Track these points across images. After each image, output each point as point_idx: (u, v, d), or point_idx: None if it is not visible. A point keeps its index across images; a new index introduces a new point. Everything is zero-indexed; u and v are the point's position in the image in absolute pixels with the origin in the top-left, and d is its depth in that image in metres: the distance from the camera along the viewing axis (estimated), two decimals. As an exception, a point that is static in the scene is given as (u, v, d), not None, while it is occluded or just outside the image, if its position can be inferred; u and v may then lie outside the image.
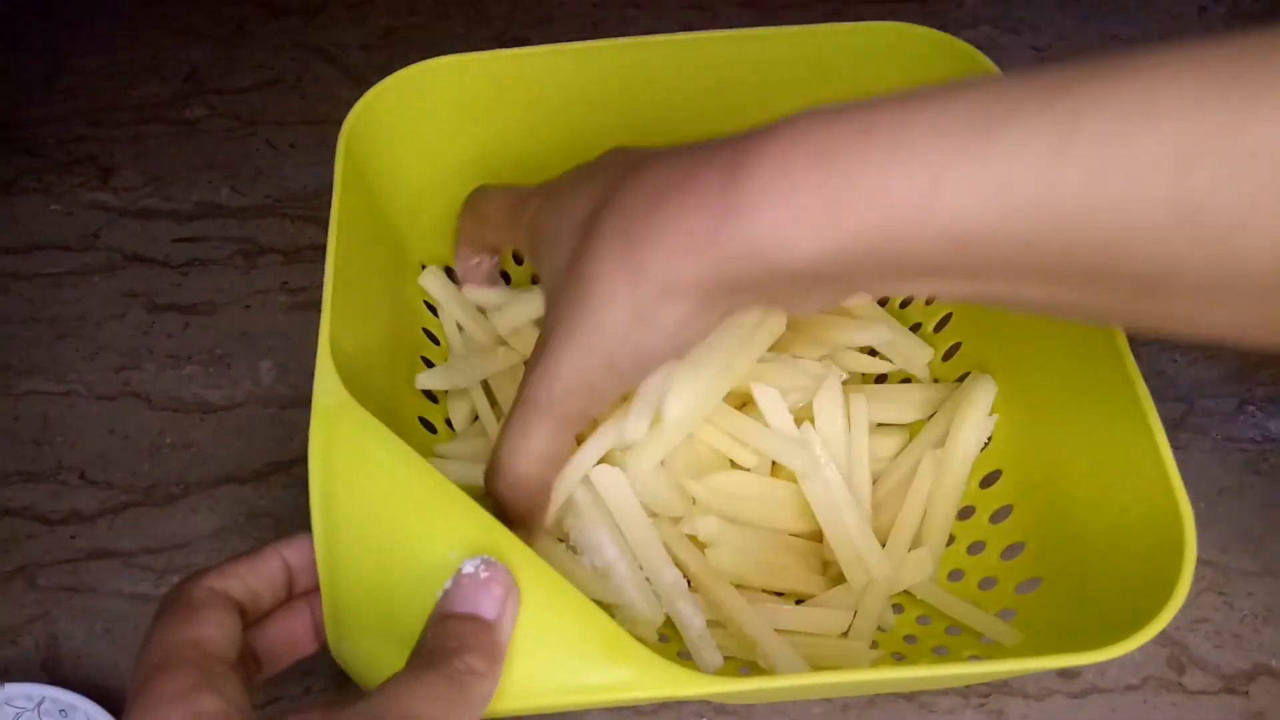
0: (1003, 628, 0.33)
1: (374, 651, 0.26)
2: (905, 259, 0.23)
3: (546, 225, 0.31)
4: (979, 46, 0.37)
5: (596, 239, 0.27)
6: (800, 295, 0.26)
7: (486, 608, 0.25)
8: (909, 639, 0.35)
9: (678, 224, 0.25)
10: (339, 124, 0.35)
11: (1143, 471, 0.29)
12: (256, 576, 0.28)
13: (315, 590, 0.27)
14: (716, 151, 0.25)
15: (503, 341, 0.41)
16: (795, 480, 0.36)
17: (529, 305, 0.40)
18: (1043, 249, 0.21)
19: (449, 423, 0.41)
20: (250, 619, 0.28)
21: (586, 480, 0.34)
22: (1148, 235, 0.20)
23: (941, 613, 0.35)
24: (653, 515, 0.35)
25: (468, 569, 0.25)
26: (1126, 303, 0.22)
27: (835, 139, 0.23)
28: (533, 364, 0.29)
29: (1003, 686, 0.39)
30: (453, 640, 0.24)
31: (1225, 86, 0.19)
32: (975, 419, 0.37)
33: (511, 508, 0.31)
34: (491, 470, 0.31)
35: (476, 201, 0.39)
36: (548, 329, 0.29)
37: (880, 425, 0.39)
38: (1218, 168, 0.19)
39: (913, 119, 0.22)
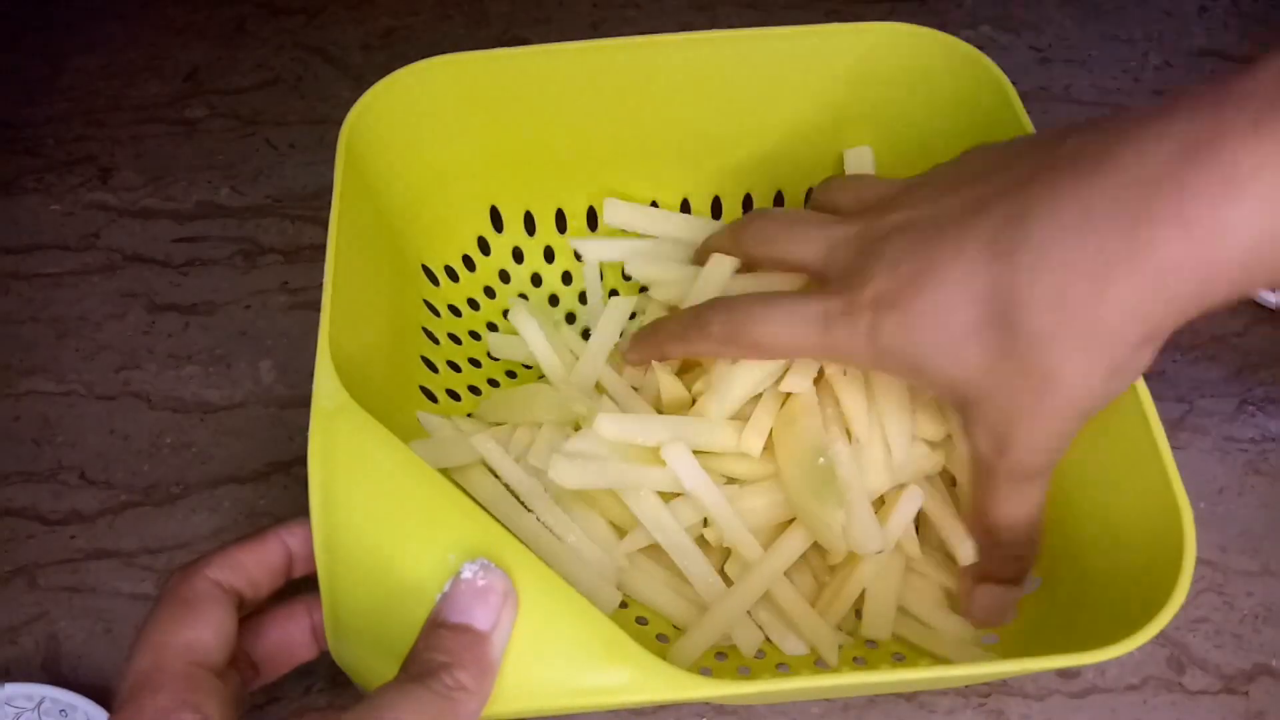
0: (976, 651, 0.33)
1: (373, 652, 0.26)
2: None
3: (916, 341, 0.28)
4: (979, 46, 0.37)
5: (1035, 335, 0.26)
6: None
7: (480, 618, 0.25)
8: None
9: (1145, 296, 0.24)
10: (339, 124, 0.35)
11: (1143, 471, 0.29)
12: (258, 564, 0.28)
13: (315, 593, 0.27)
14: (1142, 209, 0.24)
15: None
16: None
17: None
18: None
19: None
20: (248, 607, 0.28)
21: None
22: None
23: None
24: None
25: (466, 574, 0.25)
26: None
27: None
28: (1000, 450, 0.29)
29: (1002, 686, 0.39)
30: (443, 654, 0.24)
31: None
32: None
33: (1013, 563, 0.32)
34: (996, 541, 0.32)
35: (720, 319, 0.33)
36: (998, 420, 0.28)
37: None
38: None
39: None
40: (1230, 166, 0.23)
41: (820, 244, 0.32)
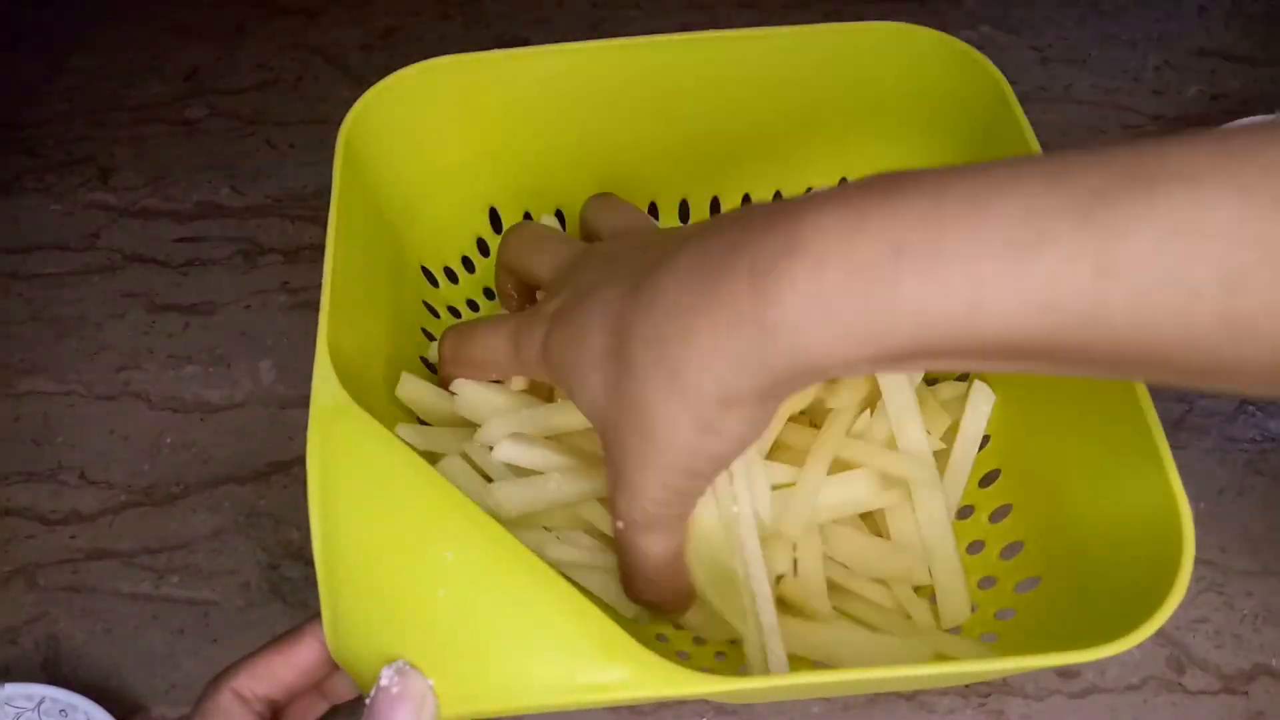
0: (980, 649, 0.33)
1: (373, 651, 0.26)
2: (953, 353, 0.23)
3: (564, 359, 0.29)
4: (979, 46, 0.37)
5: (635, 369, 0.26)
6: (852, 375, 0.26)
7: None
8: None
9: (717, 348, 0.24)
10: (339, 124, 0.35)
11: (1142, 471, 0.29)
12: (290, 669, 0.28)
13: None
14: (733, 260, 0.24)
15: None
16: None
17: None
18: (1092, 353, 0.21)
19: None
20: (280, 707, 0.29)
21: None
22: (1201, 347, 0.20)
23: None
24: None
25: (383, 680, 0.25)
26: (1184, 383, 0.22)
27: (865, 259, 0.22)
28: (613, 492, 0.29)
29: (1003, 686, 0.39)
30: None
31: (1267, 207, 0.19)
32: (974, 431, 0.37)
33: (665, 606, 0.33)
34: (631, 588, 0.32)
35: (452, 347, 0.36)
36: (615, 458, 0.28)
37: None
38: (1269, 290, 0.19)
39: (942, 239, 0.21)
40: (782, 303, 0.23)
41: (549, 263, 0.35)
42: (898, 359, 0.23)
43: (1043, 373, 0.23)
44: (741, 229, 0.25)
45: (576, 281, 0.31)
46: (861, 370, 0.24)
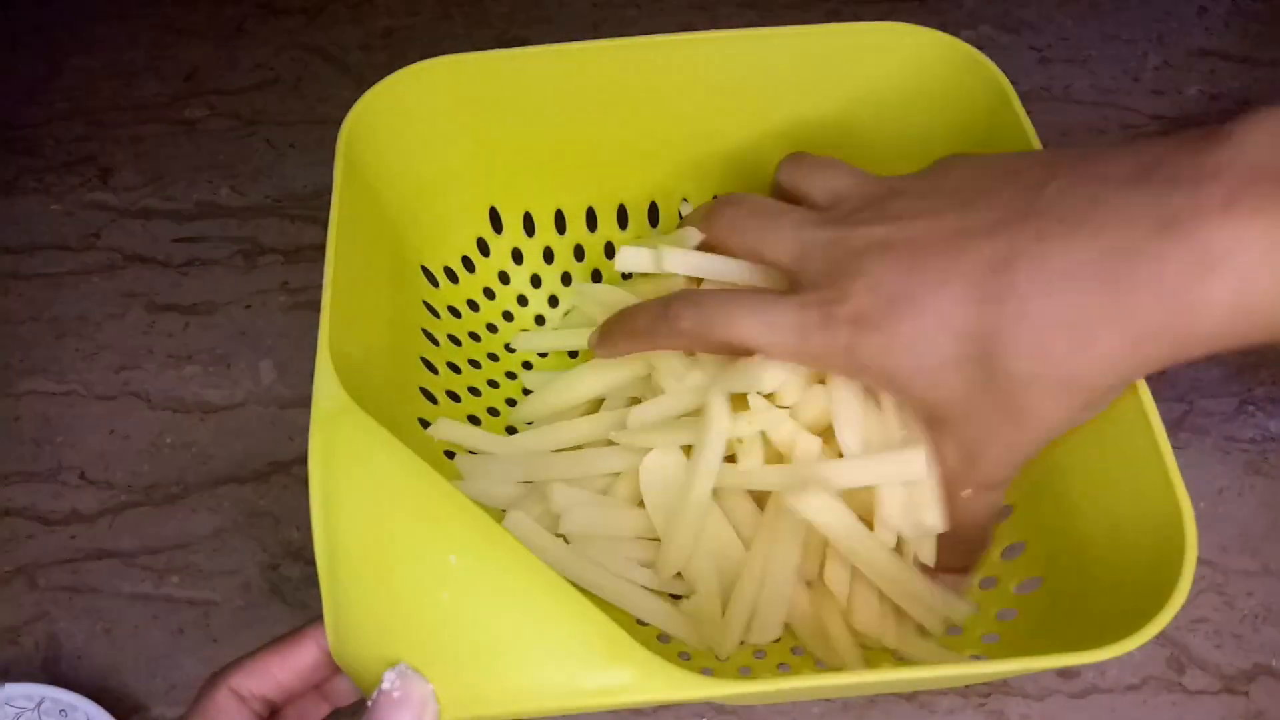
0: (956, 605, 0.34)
1: (374, 653, 0.26)
2: None
3: (900, 366, 0.29)
4: (979, 46, 0.37)
5: (1014, 378, 0.27)
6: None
7: None
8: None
9: (1122, 352, 0.26)
10: (339, 124, 0.35)
11: (1143, 471, 0.29)
12: (288, 671, 0.28)
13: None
14: (1127, 266, 0.25)
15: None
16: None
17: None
18: None
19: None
20: (277, 708, 0.29)
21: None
22: None
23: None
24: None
25: (385, 684, 0.25)
26: None
27: None
28: (968, 465, 0.30)
29: (1003, 686, 0.39)
30: None
31: None
32: None
33: (974, 556, 0.34)
34: (968, 550, 0.34)
35: (704, 316, 0.33)
36: (970, 439, 0.30)
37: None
38: None
39: None
40: (1204, 247, 0.24)
41: (793, 244, 0.32)
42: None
43: None
44: (1109, 235, 0.26)
45: (871, 279, 0.30)
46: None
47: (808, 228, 0.32)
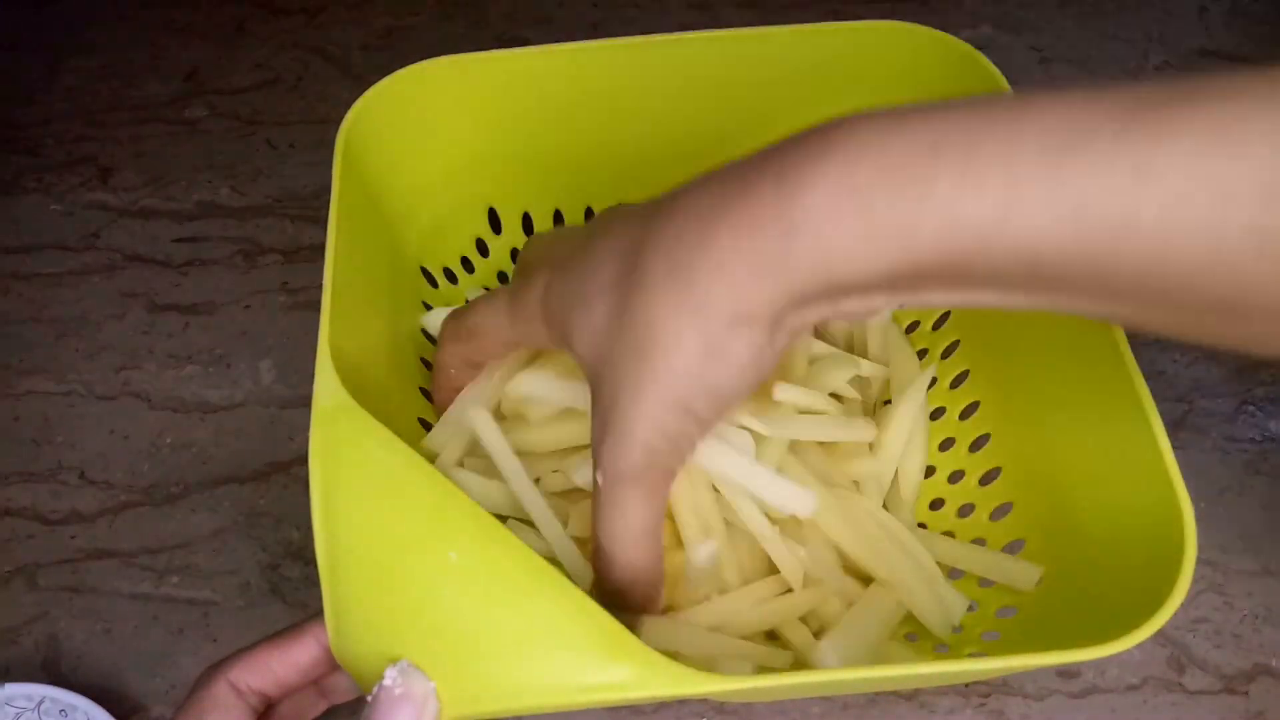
0: (1017, 567, 0.33)
1: (375, 651, 0.26)
2: (974, 273, 0.23)
3: (565, 297, 0.29)
4: (979, 46, 0.37)
5: (645, 284, 0.26)
6: (864, 304, 0.25)
7: None
8: (910, 636, 0.35)
9: (737, 247, 0.24)
10: (339, 124, 0.35)
11: (1143, 470, 0.29)
12: (287, 666, 0.28)
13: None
14: (761, 167, 0.24)
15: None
16: None
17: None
18: (1117, 271, 0.21)
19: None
20: (274, 703, 0.29)
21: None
22: (1227, 263, 0.20)
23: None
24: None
25: (386, 680, 0.25)
26: (1201, 324, 0.22)
27: (900, 157, 0.22)
28: (600, 438, 0.27)
29: (1002, 686, 0.39)
30: None
31: None
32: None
33: (630, 595, 0.30)
34: (601, 564, 0.30)
35: (452, 326, 0.36)
36: (606, 396, 0.27)
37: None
38: None
39: (980, 139, 0.22)
40: (809, 197, 0.23)
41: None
42: (917, 277, 0.23)
43: (1060, 307, 0.23)
44: (771, 147, 0.25)
45: (577, 238, 0.30)
46: (876, 299, 0.24)
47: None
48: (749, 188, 0.24)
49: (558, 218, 0.44)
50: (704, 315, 0.25)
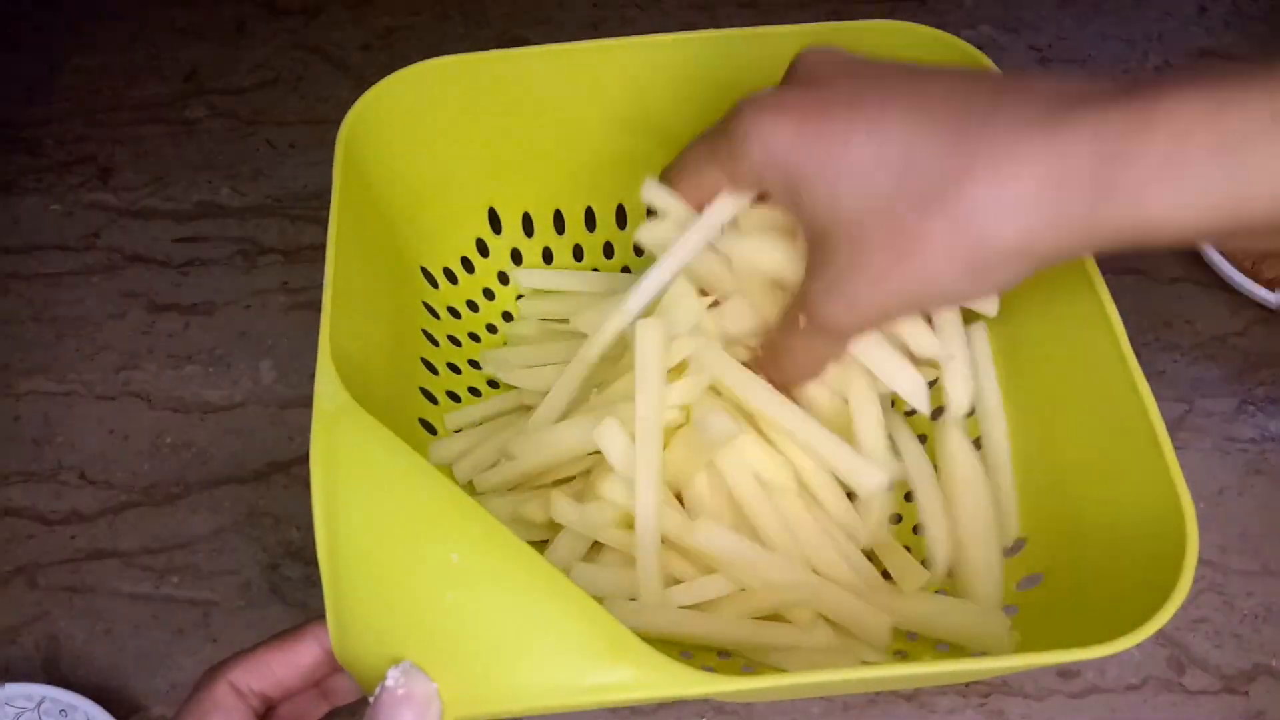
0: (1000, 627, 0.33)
1: (376, 651, 0.26)
2: None
3: (813, 154, 0.28)
4: (979, 46, 0.37)
5: (924, 199, 0.26)
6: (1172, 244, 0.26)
7: None
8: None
9: (1040, 200, 0.24)
10: (339, 124, 0.35)
11: (1144, 470, 0.29)
12: (288, 667, 0.28)
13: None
14: (1072, 121, 0.24)
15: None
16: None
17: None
18: None
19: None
20: (275, 705, 0.29)
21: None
22: None
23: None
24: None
25: (389, 681, 0.25)
26: None
27: (1237, 128, 0.23)
28: (823, 289, 0.29)
29: (1002, 686, 0.39)
30: None
31: None
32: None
33: (778, 384, 0.33)
34: (772, 371, 0.33)
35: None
36: (843, 265, 0.28)
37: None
38: None
39: None
40: (1137, 166, 0.24)
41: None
42: (1239, 226, 0.24)
43: None
44: (1085, 91, 0.25)
45: (828, 83, 0.29)
46: (1188, 237, 0.24)
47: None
48: (1062, 141, 0.24)
49: (558, 218, 0.44)
50: (983, 247, 0.25)
